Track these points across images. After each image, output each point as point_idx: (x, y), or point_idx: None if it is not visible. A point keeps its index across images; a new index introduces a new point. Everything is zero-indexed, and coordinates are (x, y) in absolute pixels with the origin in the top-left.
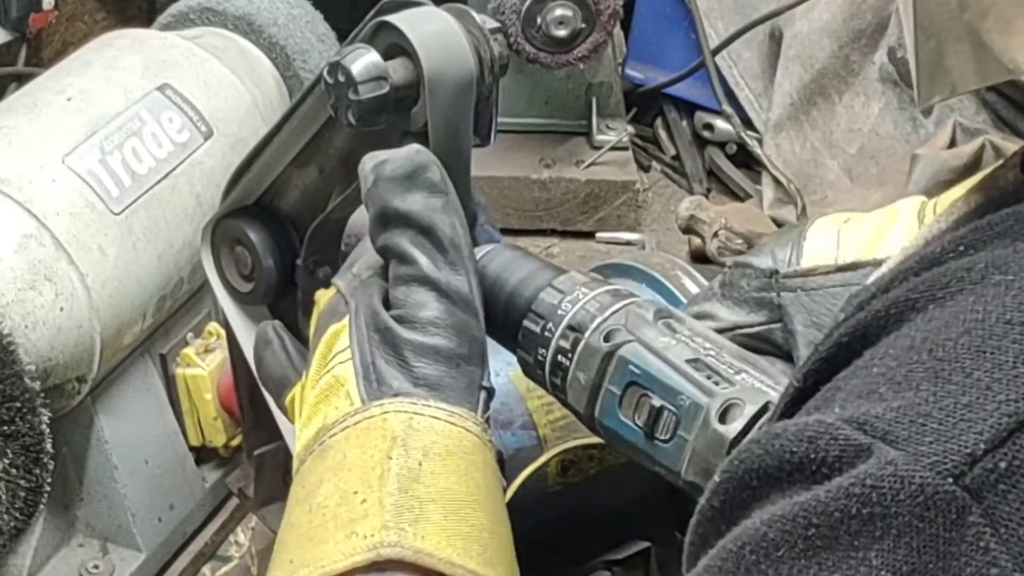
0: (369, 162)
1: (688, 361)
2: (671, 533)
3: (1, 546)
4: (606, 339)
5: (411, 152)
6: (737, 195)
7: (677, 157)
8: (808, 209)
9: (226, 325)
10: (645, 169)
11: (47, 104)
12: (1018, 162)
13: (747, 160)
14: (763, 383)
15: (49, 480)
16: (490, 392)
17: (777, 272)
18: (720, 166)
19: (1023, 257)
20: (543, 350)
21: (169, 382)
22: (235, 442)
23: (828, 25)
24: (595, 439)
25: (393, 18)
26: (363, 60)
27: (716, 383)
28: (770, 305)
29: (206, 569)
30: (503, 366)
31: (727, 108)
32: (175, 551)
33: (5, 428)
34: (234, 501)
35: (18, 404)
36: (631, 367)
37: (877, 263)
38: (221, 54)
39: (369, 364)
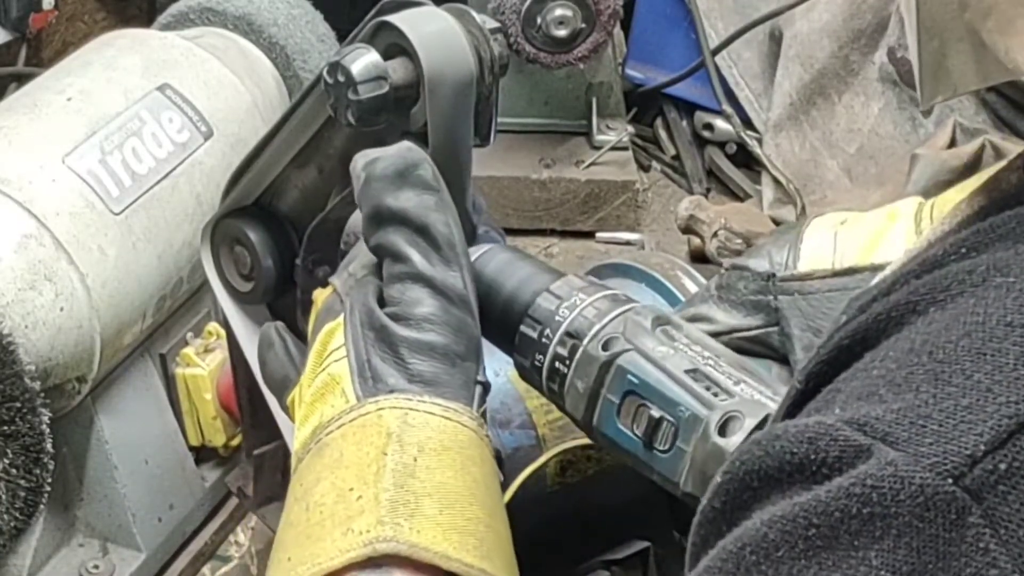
0: (360, 161)
1: (687, 371)
2: (670, 533)
3: (1, 546)
4: (604, 347)
5: (402, 150)
6: (737, 195)
7: (677, 157)
8: (808, 209)
9: (226, 325)
10: (645, 169)
11: (47, 104)
12: (1021, 164)
13: (747, 160)
14: (762, 394)
15: (49, 480)
16: (486, 387)
17: (774, 275)
18: (720, 166)
19: None
20: (540, 356)
21: (169, 382)
22: (235, 442)
23: (828, 25)
24: None
25: (393, 18)
26: (363, 60)
27: (715, 394)
28: (767, 308)
29: (206, 569)
30: (502, 365)
31: (727, 108)
32: (175, 551)
33: (5, 428)
34: (234, 501)
35: (18, 404)
36: (629, 376)
37: (875, 268)
38: (221, 54)
39: (364, 362)
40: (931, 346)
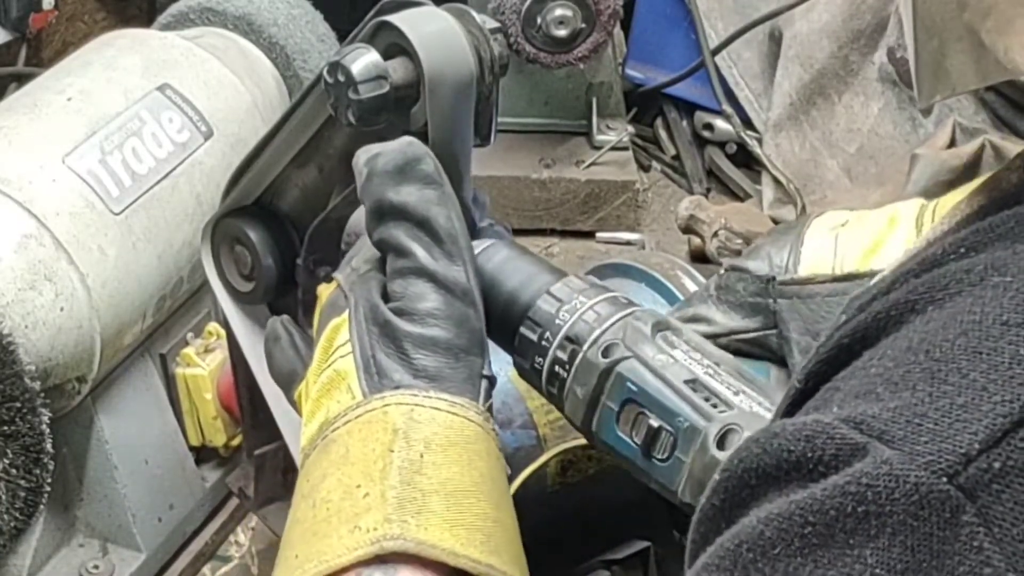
0: (363, 156)
1: (687, 381)
2: (670, 533)
3: (1, 546)
4: (604, 354)
5: (403, 144)
6: (737, 195)
7: (677, 157)
8: (808, 209)
9: (226, 325)
10: (645, 169)
11: (47, 104)
12: (1021, 164)
13: (747, 160)
14: (761, 405)
15: (49, 480)
16: (491, 381)
17: (773, 279)
18: (720, 166)
19: (1022, 259)
20: (540, 359)
21: (169, 382)
22: (235, 442)
23: (828, 25)
24: None
25: (393, 18)
26: (363, 60)
27: (714, 405)
28: (765, 311)
29: (206, 569)
30: (503, 365)
31: (727, 108)
32: (175, 551)
33: (5, 428)
34: (234, 501)
35: (18, 404)
36: (629, 384)
37: (874, 274)
38: (221, 54)
39: (369, 357)
40: (928, 345)
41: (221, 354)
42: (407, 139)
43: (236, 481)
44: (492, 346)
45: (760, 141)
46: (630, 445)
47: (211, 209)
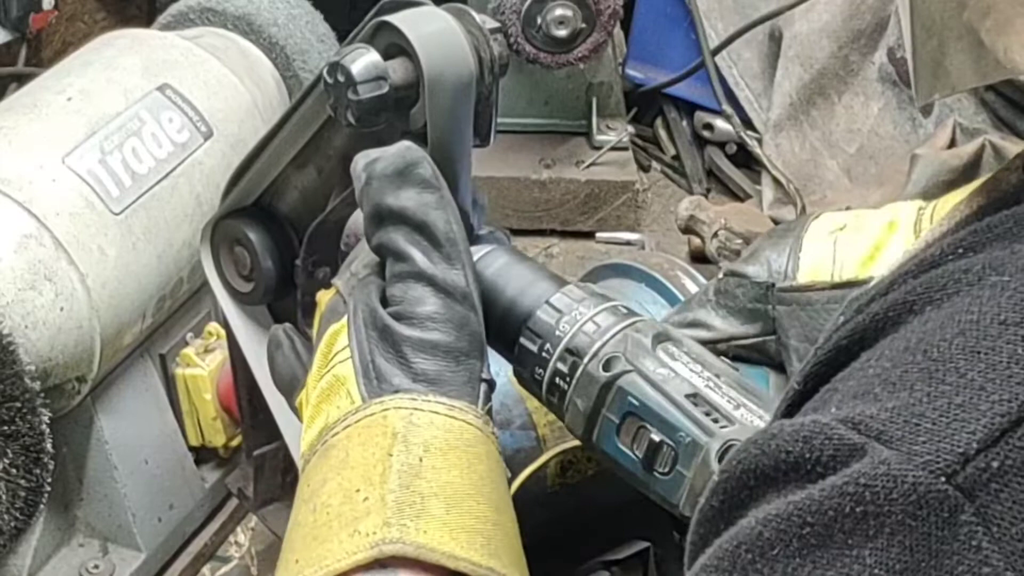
0: (361, 161)
1: (688, 396)
2: (670, 533)
3: (1, 546)
4: (605, 368)
5: (401, 149)
6: (737, 195)
7: (677, 157)
8: (808, 209)
9: (226, 325)
10: (645, 169)
11: (47, 104)
12: (1020, 165)
13: (747, 160)
14: (762, 419)
15: (49, 480)
16: (491, 384)
17: (773, 285)
18: (720, 166)
19: (1020, 259)
20: (540, 370)
21: (169, 382)
22: (235, 442)
23: (828, 25)
24: None
25: (393, 18)
26: (363, 60)
27: (715, 420)
28: (764, 317)
29: (206, 569)
30: (503, 366)
31: (727, 108)
32: (175, 551)
33: (5, 428)
34: (234, 501)
35: (18, 404)
36: (630, 399)
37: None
38: (221, 54)
39: (368, 362)
40: (926, 345)
41: (221, 354)
42: (405, 144)
43: (236, 482)
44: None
45: (760, 141)
46: (631, 458)
47: (211, 209)
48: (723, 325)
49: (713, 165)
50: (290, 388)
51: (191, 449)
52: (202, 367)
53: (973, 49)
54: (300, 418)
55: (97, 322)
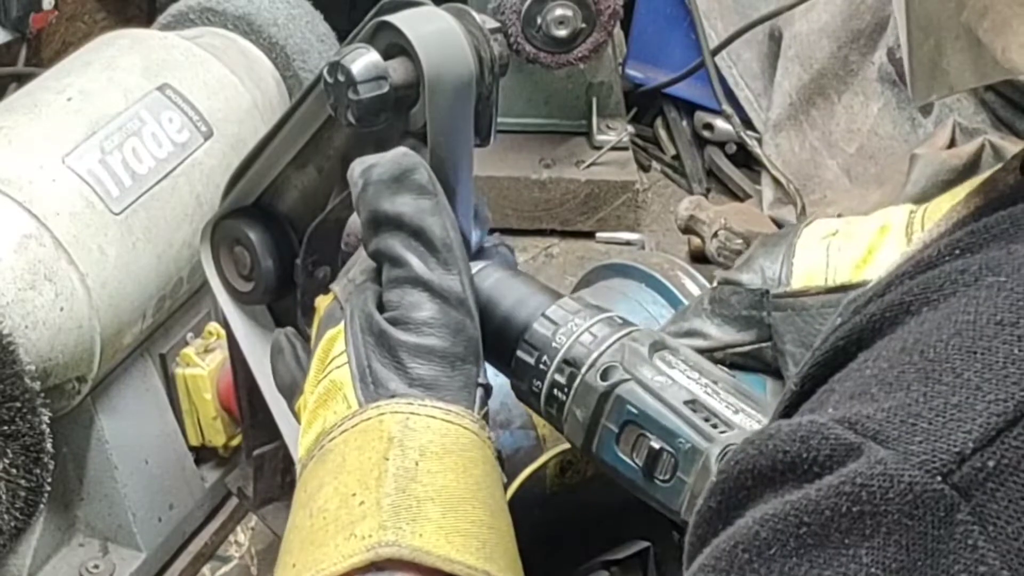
0: (358, 167)
1: (686, 402)
2: (670, 533)
3: (1, 546)
4: (603, 377)
5: (398, 155)
6: (737, 195)
7: (677, 157)
8: (808, 209)
9: (226, 325)
10: (645, 169)
11: (47, 104)
12: (1018, 165)
13: (747, 160)
14: (761, 423)
15: (49, 480)
16: (487, 389)
17: (767, 292)
18: (720, 166)
19: (1017, 259)
20: (538, 382)
21: (169, 382)
22: (235, 442)
23: (827, 25)
24: None
25: (393, 18)
26: (363, 60)
27: (715, 426)
28: (760, 324)
29: (206, 569)
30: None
31: (727, 108)
32: (175, 551)
33: (5, 428)
34: (234, 501)
35: (18, 404)
36: (628, 407)
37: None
38: (221, 54)
39: (365, 367)
40: (923, 345)
41: (221, 354)
42: (401, 150)
43: (236, 481)
44: None
45: (760, 141)
46: (631, 466)
47: (211, 209)
48: (719, 333)
49: (713, 165)
50: (291, 393)
51: (191, 449)
52: (202, 367)
53: (971, 49)
54: (299, 423)
55: (97, 322)
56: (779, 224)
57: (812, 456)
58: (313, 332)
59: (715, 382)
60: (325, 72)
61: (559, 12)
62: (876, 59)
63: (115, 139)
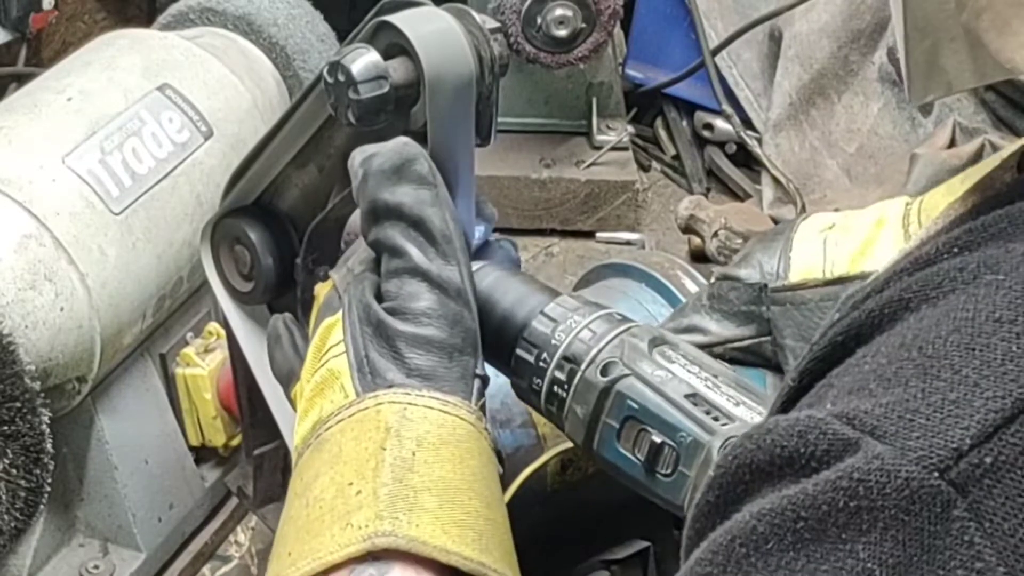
0: (358, 157)
1: (687, 396)
2: (670, 533)
3: (1, 546)
4: (603, 373)
5: (399, 145)
6: (737, 195)
7: (677, 157)
8: (808, 208)
9: (226, 324)
10: (645, 169)
11: (47, 104)
12: (1014, 163)
13: (747, 160)
14: (762, 415)
15: (49, 480)
16: (484, 380)
17: (765, 286)
18: (720, 166)
19: (1015, 257)
20: (538, 380)
21: (169, 382)
22: (235, 442)
23: (827, 25)
24: None
25: (393, 18)
26: (363, 60)
27: (716, 418)
28: (759, 319)
29: (206, 569)
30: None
31: (727, 108)
32: (175, 551)
33: (5, 428)
34: (234, 501)
35: (18, 404)
36: (629, 402)
37: (865, 276)
38: (221, 54)
39: (363, 357)
40: (921, 341)
41: (221, 354)
42: (402, 139)
43: (236, 481)
44: None
45: (760, 141)
46: (632, 462)
47: (211, 209)
48: (718, 329)
49: (713, 165)
50: (287, 380)
51: (191, 449)
52: (202, 367)
53: (971, 49)
54: (295, 410)
55: (97, 322)
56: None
57: (810, 451)
58: (312, 319)
59: (715, 376)
60: (325, 72)
61: (559, 12)
62: (876, 59)
63: (115, 139)
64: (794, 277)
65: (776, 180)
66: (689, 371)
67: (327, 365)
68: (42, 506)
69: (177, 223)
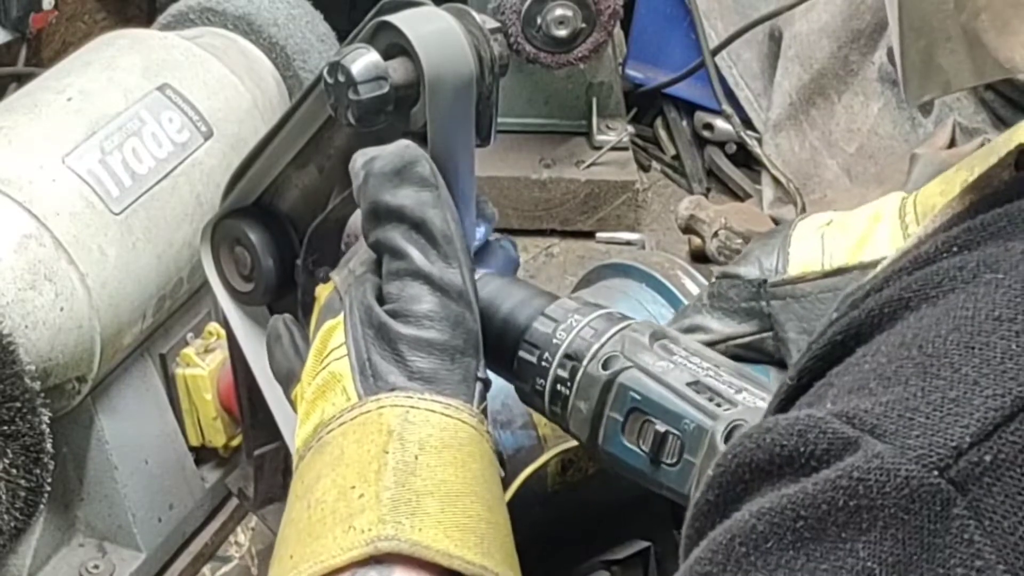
0: (359, 159)
1: (689, 384)
2: (670, 533)
3: (1, 546)
4: (604, 367)
5: (400, 147)
6: (737, 195)
7: (677, 157)
8: (808, 208)
9: (226, 325)
10: (645, 169)
11: (47, 104)
12: (1012, 162)
13: (747, 160)
14: (764, 400)
15: (49, 480)
16: (486, 383)
17: (765, 282)
18: (720, 166)
19: (1014, 256)
20: (541, 380)
21: (169, 382)
22: (235, 442)
23: (827, 25)
24: None
25: (393, 18)
26: (363, 60)
27: (718, 404)
28: (760, 315)
29: (206, 569)
30: None
31: (727, 108)
32: (175, 551)
33: (5, 428)
34: (234, 501)
35: (18, 404)
36: (632, 394)
37: (863, 266)
38: (221, 54)
39: (365, 360)
40: (921, 340)
41: (221, 354)
42: (403, 142)
43: (236, 482)
44: None
45: (760, 141)
46: (638, 454)
47: (211, 209)
48: (720, 326)
49: (713, 165)
50: (287, 381)
51: (191, 449)
52: (202, 367)
53: (970, 48)
54: (296, 411)
55: (97, 322)
56: (779, 224)
57: (809, 450)
58: (312, 321)
59: (716, 366)
60: (325, 72)
61: (559, 12)
62: (876, 59)
63: (115, 139)
64: (793, 271)
65: (776, 180)
66: (691, 362)
67: (329, 368)
68: (42, 506)
69: (177, 223)
